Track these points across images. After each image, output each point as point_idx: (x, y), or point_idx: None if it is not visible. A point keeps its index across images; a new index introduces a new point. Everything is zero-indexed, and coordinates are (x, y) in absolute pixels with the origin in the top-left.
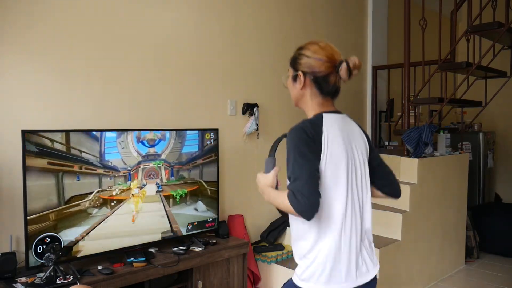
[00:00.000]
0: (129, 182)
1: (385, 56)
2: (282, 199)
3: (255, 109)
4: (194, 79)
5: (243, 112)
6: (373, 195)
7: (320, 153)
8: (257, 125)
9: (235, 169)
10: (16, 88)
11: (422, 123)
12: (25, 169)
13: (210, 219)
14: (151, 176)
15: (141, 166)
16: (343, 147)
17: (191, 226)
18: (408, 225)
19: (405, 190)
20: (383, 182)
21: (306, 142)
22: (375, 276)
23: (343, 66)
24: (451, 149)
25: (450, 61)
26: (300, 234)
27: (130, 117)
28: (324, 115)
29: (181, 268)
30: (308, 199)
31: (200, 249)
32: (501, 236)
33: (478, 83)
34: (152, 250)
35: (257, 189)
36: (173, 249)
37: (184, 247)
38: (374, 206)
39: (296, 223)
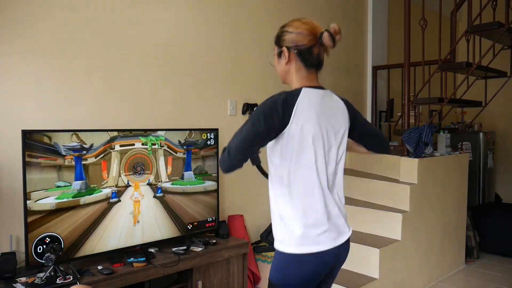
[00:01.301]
0: (79, 184)
1: (385, 56)
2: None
3: (255, 109)
4: (194, 79)
5: (243, 112)
6: (362, 152)
7: (284, 125)
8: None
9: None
10: (16, 88)
11: (422, 123)
12: (25, 169)
13: (210, 219)
14: (138, 170)
15: (116, 146)
16: (315, 119)
17: (191, 226)
18: (408, 225)
19: (405, 190)
20: (372, 144)
21: (267, 112)
22: (348, 240)
23: (325, 34)
24: (451, 149)
25: (450, 61)
26: (273, 198)
27: (130, 117)
28: (303, 89)
29: (181, 268)
30: (229, 154)
31: (200, 249)
32: (501, 236)
33: (478, 83)
34: (152, 250)
35: (257, 189)
36: (173, 249)
37: (184, 247)
38: (374, 206)
39: (273, 185)
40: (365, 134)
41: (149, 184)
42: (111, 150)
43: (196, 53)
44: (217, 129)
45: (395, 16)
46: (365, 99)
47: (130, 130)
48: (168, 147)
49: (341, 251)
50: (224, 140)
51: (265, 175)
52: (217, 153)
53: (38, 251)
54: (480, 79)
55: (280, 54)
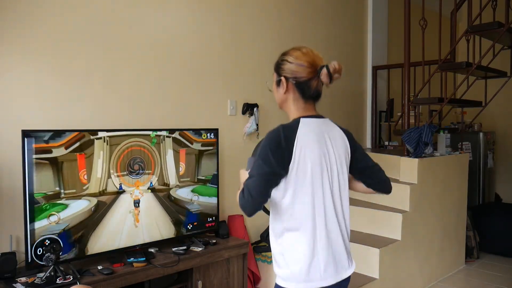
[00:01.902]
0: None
1: (385, 56)
2: (238, 193)
3: (255, 109)
4: (194, 79)
5: (243, 112)
6: (362, 191)
7: (289, 158)
8: (257, 125)
9: (235, 169)
10: (16, 88)
11: (422, 123)
12: (25, 169)
13: (210, 219)
14: (136, 169)
15: (101, 133)
16: (316, 151)
17: (191, 226)
18: (408, 225)
19: (405, 190)
20: (372, 181)
21: (273, 147)
22: (349, 276)
23: (324, 71)
24: (451, 149)
25: (450, 61)
26: (275, 233)
27: (130, 117)
28: (301, 119)
29: (181, 268)
30: (251, 197)
31: (200, 249)
32: (501, 236)
33: (478, 83)
34: (152, 250)
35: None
36: (173, 249)
37: (184, 247)
38: (374, 206)
39: (273, 222)
40: (365, 169)
41: (151, 189)
42: (93, 138)
43: (196, 53)
44: (217, 129)
45: (395, 16)
46: (365, 99)
47: (130, 130)
48: (180, 135)
49: (342, 285)
50: (224, 140)
51: (267, 211)
52: (217, 153)
53: (38, 252)
54: (480, 79)
55: (279, 83)
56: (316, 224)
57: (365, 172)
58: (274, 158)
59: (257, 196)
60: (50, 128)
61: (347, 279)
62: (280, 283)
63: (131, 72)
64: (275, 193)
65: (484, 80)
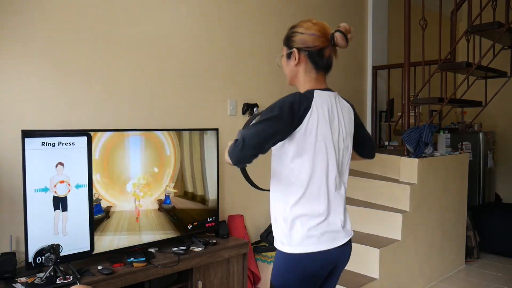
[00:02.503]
0: None
1: (385, 56)
2: (227, 148)
3: (255, 109)
4: (194, 79)
5: (243, 112)
6: (353, 159)
7: (299, 124)
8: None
9: (235, 169)
10: (16, 88)
11: (422, 123)
12: (25, 169)
13: (210, 219)
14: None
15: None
16: (328, 121)
17: (191, 226)
18: (408, 225)
19: (405, 190)
20: (362, 148)
21: (285, 108)
22: (350, 241)
23: (337, 34)
24: (451, 149)
25: (450, 61)
26: (278, 198)
27: (130, 117)
28: (316, 91)
29: (181, 268)
30: (243, 146)
31: (200, 249)
32: (501, 236)
33: (478, 83)
34: (152, 250)
35: (257, 189)
36: (173, 249)
37: (184, 247)
38: (374, 206)
39: (277, 189)
40: (361, 138)
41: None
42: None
43: (196, 53)
44: (217, 129)
45: (395, 16)
46: (365, 99)
47: (130, 130)
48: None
49: (342, 252)
50: (224, 140)
51: (251, 183)
52: (217, 153)
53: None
54: (480, 79)
55: (289, 55)
56: (323, 194)
57: (361, 142)
58: (283, 117)
59: (249, 147)
60: (50, 128)
61: (348, 245)
62: (279, 247)
63: (131, 72)
64: (283, 159)
65: (484, 80)
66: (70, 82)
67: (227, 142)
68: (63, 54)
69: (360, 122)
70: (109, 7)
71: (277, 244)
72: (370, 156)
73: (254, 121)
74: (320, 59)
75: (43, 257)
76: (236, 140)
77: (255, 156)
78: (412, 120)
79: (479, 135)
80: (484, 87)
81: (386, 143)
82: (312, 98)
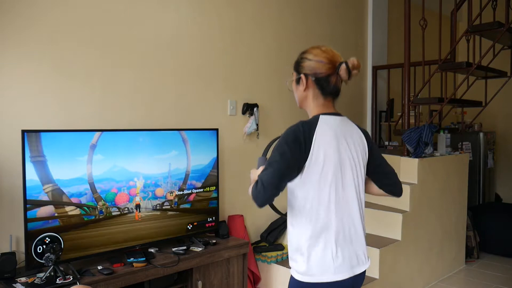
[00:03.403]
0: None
1: (385, 56)
2: (251, 187)
3: (255, 109)
4: (194, 79)
5: (243, 112)
6: (373, 193)
7: (307, 154)
8: (257, 125)
9: (235, 169)
10: (16, 88)
11: (422, 123)
12: (25, 169)
13: (210, 219)
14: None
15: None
16: (335, 147)
17: (191, 226)
18: (408, 225)
19: (405, 190)
20: (385, 181)
21: (291, 143)
22: (365, 271)
23: (343, 66)
24: (451, 149)
25: (450, 61)
26: (293, 226)
27: (130, 117)
28: (321, 116)
29: (181, 268)
30: (263, 189)
31: (200, 249)
32: (501, 236)
33: (478, 83)
34: (152, 250)
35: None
36: (173, 249)
37: (184, 247)
38: (374, 206)
39: (291, 214)
40: (378, 168)
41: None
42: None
43: (196, 53)
44: (217, 129)
45: (395, 16)
46: (365, 99)
47: (130, 130)
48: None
49: (356, 281)
50: (224, 140)
51: (278, 211)
52: (217, 153)
53: (38, 251)
54: (480, 79)
55: (298, 81)
56: (337, 223)
57: (379, 172)
58: (291, 152)
59: (269, 187)
60: (50, 128)
61: (363, 274)
62: (294, 275)
63: (131, 72)
64: (295, 192)
65: (484, 80)
66: (70, 82)
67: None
68: (63, 54)
69: (377, 151)
70: (109, 7)
71: (293, 272)
72: (394, 191)
73: (267, 161)
74: (327, 85)
75: (44, 246)
76: (256, 184)
77: (276, 195)
78: (412, 120)
79: (479, 135)
80: (484, 87)
81: (386, 143)
82: (317, 124)
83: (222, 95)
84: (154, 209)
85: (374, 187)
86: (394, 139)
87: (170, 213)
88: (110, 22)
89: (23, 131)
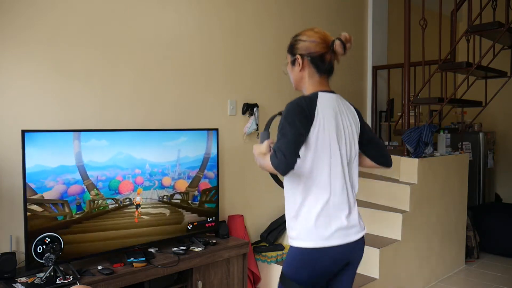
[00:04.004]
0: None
1: (385, 56)
2: (266, 159)
3: (255, 109)
4: (194, 79)
5: (243, 112)
6: (367, 165)
7: (311, 124)
8: (257, 125)
9: (235, 169)
10: (16, 88)
11: (422, 123)
12: (25, 169)
13: (210, 219)
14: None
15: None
16: (333, 120)
17: (191, 226)
18: (408, 225)
19: (405, 190)
20: (375, 153)
21: (297, 113)
22: (363, 238)
23: (337, 42)
24: (451, 149)
25: (450, 61)
26: (291, 195)
27: (130, 117)
28: (319, 93)
29: (181, 268)
30: (284, 156)
31: (200, 249)
32: (501, 236)
33: (478, 83)
34: (152, 250)
35: (257, 189)
36: (173, 249)
37: (184, 247)
38: (374, 206)
39: (290, 183)
40: (370, 142)
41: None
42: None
43: (196, 53)
44: (217, 129)
45: (395, 16)
46: (365, 99)
47: (130, 130)
48: None
49: (354, 248)
50: (224, 140)
51: (281, 184)
52: (217, 153)
53: (38, 251)
54: (480, 79)
55: (293, 62)
56: (333, 190)
57: (370, 144)
58: (299, 120)
59: (290, 155)
60: (50, 128)
61: (361, 241)
62: (291, 243)
63: (131, 72)
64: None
65: (484, 80)
66: (70, 82)
67: (260, 153)
68: (63, 54)
69: (367, 126)
70: (109, 8)
71: (291, 241)
72: (385, 162)
73: (277, 134)
74: (322, 63)
75: (44, 246)
76: (275, 154)
77: (295, 161)
78: (412, 120)
79: (479, 135)
80: (484, 87)
81: (386, 143)
82: (317, 98)
83: (222, 95)
84: (160, 200)
85: (366, 160)
86: (394, 139)
87: (170, 212)
88: (110, 22)
89: (23, 131)
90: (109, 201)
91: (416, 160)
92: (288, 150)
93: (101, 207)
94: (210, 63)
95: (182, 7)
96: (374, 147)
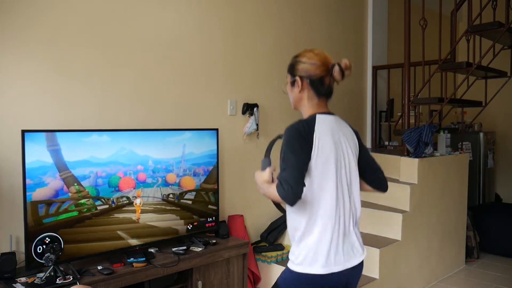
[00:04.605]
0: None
1: (385, 56)
2: (271, 189)
3: (255, 109)
4: (194, 79)
5: (243, 112)
6: (362, 189)
7: (311, 149)
8: (257, 125)
9: (235, 169)
10: (16, 88)
11: (422, 123)
12: (25, 169)
13: (210, 219)
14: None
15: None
16: (332, 143)
17: (191, 226)
18: (408, 225)
19: (405, 190)
20: (371, 177)
21: (297, 139)
22: (362, 261)
23: (336, 68)
24: (451, 149)
25: (450, 61)
26: (294, 222)
27: (130, 117)
28: (317, 115)
29: (181, 268)
30: (291, 187)
31: (200, 249)
32: (501, 236)
33: (478, 83)
34: (152, 250)
35: (257, 189)
36: (173, 249)
37: (184, 247)
38: (374, 206)
39: (291, 212)
40: (367, 165)
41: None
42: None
43: (196, 53)
44: (217, 129)
45: (395, 16)
46: (365, 99)
47: (130, 130)
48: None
49: (354, 271)
50: (224, 140)
51: (283, 210)
52: (217, 153)
53: (38, 251)
54: (480, 79)
55: (293, 83)
56: (335, 215)
57: (368, 169)
58: (300, 147)
59: (296, 185)
60: (50, 128)
61: (361, 265)
62: (291, 266)
63: (131, 72)
64: None
65: (484, 80)
66: (70, 82)
67: (266, 182)
68: (63, 54)
69: (366, 149)
70: (109, 8)
71: (291, 264)
72: (381, 186)
73: (280, 163)
74: (321, 86)
75: (44, 246)
76: (281, 185)
77: (302, 190)
78: (412, 120)
79: (479, 135)
80: (484, 87)
81: (386, 143)
82: (315, 122)
83: (222, 95)
84: (164, 199)
85: (362, 183)
86: (394, 139)
87: (170, 212)
88: (110, 22)
89: (23, 131)
90: (96, 202)
91: (416, 160)
92: (294, 180)
93: (85, 209)
94: (210, 63)
95: (182, 7)
96: (370, 171)
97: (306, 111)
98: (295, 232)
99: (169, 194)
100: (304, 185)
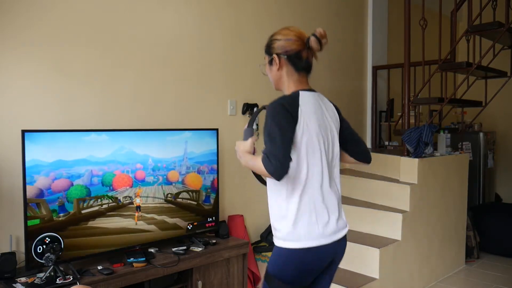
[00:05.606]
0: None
1: (385, 56)
2: (257, 162)
3: (255, 109)
4: (194, 79)
5: (243, 112)
6: (347, 162)
7: (296, 124)
8: (257, 125)
9: (235, 169)
10: (16, 88)
11: (422, 123)
12: (25, 169)
13: (210, 219)
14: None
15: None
16: (315, 119)
17: (191, 226)
18: (408, 225)
19: (405, 190)
20: (355, 149)
21: (283, 114)
22: (345, 235)
23: (312, 38)
24: (451, 149)
25: (450, 61)
26: (277, 195)
27: (130, 117)
28: (300, 92)
29: (181, 268)
30: (279, 162)
31: (200, 249)
32: (501, 236)
33: (478, 83)
34: (152, 250)
35: (257, 189)
36: (173, 249)
37: (184, 247)
38: (374, 206)
39: (274, 184)
40: (351, 137)
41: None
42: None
43: (196, 53)
44: (217, 129)
45: (395, 16)
46: (365, 99)
47: (130, 130)
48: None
49: (338, 246)
50: (224, 140)
51: (264, 182)
52: (217, 153)
53: (38, 251)
54: (480, 79)
55: (271, 62)
56: (316, 187)
57: (349, 141)
58: (286, 122)
59: (284, 159)
60: (50, 128)
61: (344, 238)
62: (277, 243)
63: (131, 72)
64: None
65: (484, 80)
66: (70, 82)
67: (248, 158)
68: (63, 54)
69: (347, 122)
70: (109, 8)
71: (277, 241)
72: (364, 158)
73: (265, 137)
74: (299, 61)
75: (44, 246)
76: (269, 160)
77: (289, 165)
78: (412, 120)
79: (479, 135)
80: (484, 87)
81: (386, 143)
82: (298, 97)
83: (222, 95)
84: (165, 199)
85: (345, 156)
86: (394, 139)
87: (170, 212)
88: (110, 22)
89: (23, 131)
90: (96, 202)
91: (416, 160)
92: (282, 155)
93: (85, 208)
94: (210, 63)
95: (182, 7)
96: (354, 143)
97: (287, 89)
98: (278, 207)
99: (167, 194)
100: (291, 159)
